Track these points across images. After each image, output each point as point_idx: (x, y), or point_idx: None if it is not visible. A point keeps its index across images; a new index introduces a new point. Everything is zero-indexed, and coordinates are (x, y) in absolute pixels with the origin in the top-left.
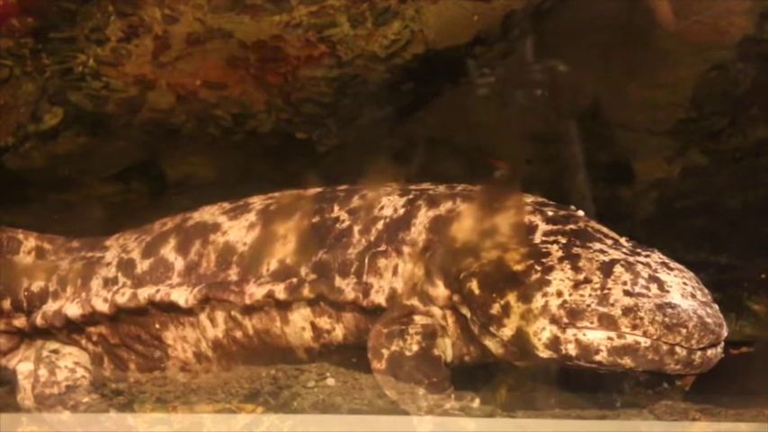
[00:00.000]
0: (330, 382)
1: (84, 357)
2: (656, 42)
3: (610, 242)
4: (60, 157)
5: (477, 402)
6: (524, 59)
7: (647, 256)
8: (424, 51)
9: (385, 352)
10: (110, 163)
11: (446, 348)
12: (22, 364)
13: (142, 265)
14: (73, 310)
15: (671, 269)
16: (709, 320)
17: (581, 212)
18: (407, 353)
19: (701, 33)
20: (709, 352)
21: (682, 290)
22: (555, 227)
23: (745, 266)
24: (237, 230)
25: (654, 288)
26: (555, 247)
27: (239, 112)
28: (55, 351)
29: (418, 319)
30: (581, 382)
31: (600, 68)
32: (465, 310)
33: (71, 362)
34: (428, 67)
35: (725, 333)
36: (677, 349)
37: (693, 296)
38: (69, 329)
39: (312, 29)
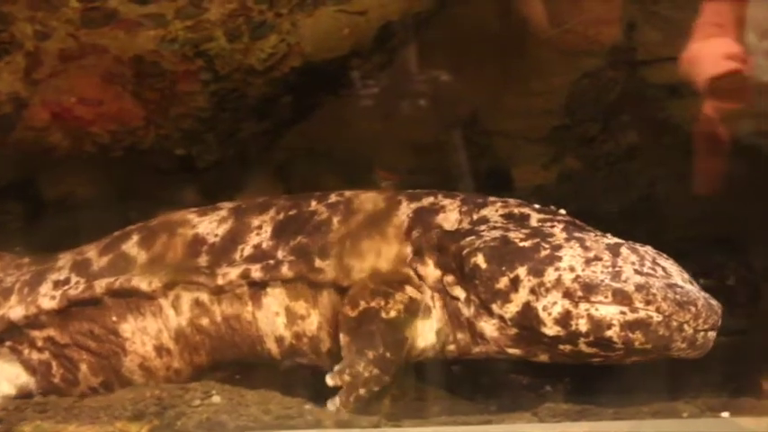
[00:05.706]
0: (216, 399)
1: None
2: (530, 51)
3: (599, 233)
4: None
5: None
6: (403, 70)
7: (642, 245)
8: (302, 64)
9: (363, 304)
10: None
11: (424, 332)
12: None
13: (99, 263)
14: (16, 312)
15: (666, 259)
16: (713, 302)
17: (563, 211)
18: (383, 314)
19: (573, 42)
20: (710, 334)
21: (681, 276)
22: (547, 216)
23: None
24: (208, 224)
25: (659, 270)
26: (556, 230)
27: (117, 129)
28: None
29: (409, 290)
30: (465, 389)
31: (477, 77)
32: (458, 291)
33: None
34: (306, 80)
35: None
36: (685, 327)
37: (691, 283)
38: (12, 337)
39: (188, 44)
